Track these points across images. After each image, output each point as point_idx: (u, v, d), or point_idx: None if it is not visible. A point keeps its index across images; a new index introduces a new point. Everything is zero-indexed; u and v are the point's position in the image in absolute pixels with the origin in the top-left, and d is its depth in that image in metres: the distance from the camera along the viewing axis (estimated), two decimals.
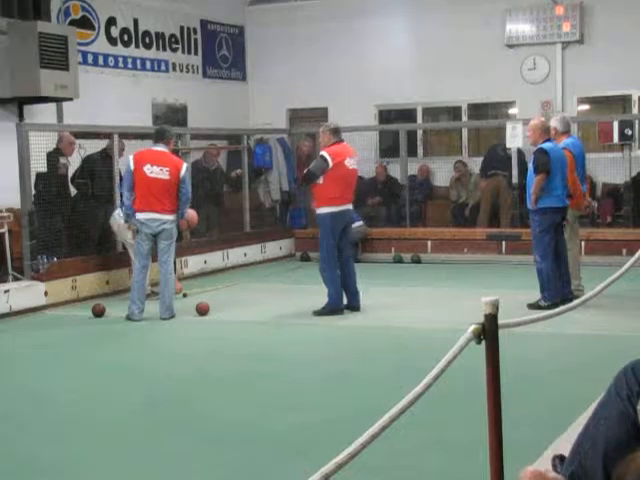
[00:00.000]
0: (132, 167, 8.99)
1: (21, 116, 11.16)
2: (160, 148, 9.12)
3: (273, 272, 12.44)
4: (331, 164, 8.83)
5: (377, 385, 6.09)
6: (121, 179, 10.13)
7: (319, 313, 8.87)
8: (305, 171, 9.20)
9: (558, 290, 8.81)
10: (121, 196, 9.76)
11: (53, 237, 10.09)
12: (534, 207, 8.85)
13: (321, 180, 8.87)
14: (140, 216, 8.98)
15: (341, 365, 6.86)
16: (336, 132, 9.06)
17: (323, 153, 8.97)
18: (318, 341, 7.89)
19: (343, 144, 9.11)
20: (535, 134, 8.96)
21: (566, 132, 9.35)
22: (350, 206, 9.15)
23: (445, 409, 5.25)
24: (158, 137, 9.21)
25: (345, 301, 9.03)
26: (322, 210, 8.97)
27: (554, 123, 9.25)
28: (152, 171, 8.93)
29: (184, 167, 9.18)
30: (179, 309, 9.08)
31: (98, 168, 10.66)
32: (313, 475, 2.52)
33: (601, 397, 3.25)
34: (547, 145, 8.81)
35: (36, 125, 10.55)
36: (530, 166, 9.08)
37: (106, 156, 10.80)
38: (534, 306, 8.64)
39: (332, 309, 8.89)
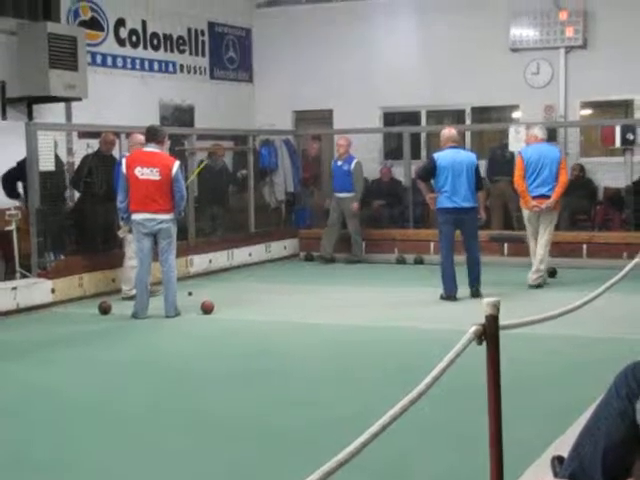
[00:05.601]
0: (124, 170, 9.02)
1: (30, 116, 11.23)
2: (151, 149, 9.10)
3: (277, 272, 12.53)
4: None
5: (378, 384, 6.14)
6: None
7: None
8: None
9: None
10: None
11: (60, 235, 10.17)
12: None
13: None
14: (136, 217, 9.01)
15: (342, 364, 6.91)
16: None
17: None
18: (320, 340, 7.93)
19: None
20: None
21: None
22: None
23: (446, 409, 5.29)
24: (149, 137, 9.17)
25: None
26: None
27: (538, 132, 10.56)
28: (143, 173, 8.93)
29: (175, 166, 9.03)
30: (184, 307, 9.15)
31: (99, 167, 10.62)
32: (314, 473, 2.52)
33: (601, 397, 3.26)
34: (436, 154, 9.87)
35: (45, 125, 10.63)
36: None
37: (102, 156, 10.75)
38: (442, 296, 9.66)
39: None
